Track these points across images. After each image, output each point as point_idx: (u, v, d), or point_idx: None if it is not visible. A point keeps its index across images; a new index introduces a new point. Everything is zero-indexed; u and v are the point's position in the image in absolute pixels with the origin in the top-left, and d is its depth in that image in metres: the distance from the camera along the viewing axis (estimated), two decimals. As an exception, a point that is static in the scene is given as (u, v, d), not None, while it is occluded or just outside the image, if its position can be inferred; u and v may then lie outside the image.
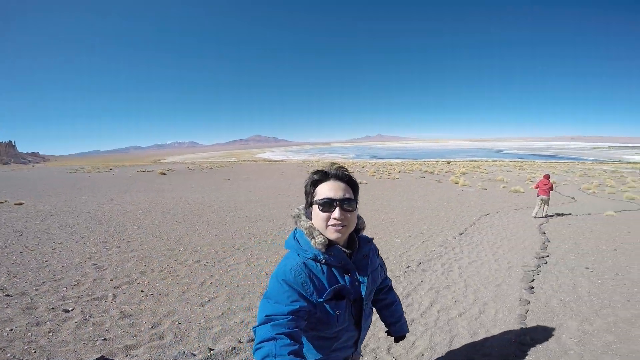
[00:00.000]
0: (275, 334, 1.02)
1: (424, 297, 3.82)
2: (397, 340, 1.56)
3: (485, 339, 2.93)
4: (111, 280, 4.04)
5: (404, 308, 2.81)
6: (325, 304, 1.15)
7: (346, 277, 1.20)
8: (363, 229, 1.32)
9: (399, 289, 4.01)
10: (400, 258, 5.29)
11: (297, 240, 1.21)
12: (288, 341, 1.01)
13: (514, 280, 4.34)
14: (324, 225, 1.15)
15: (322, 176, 1.20)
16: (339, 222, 1.13)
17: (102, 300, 3.46)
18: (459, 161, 66.76)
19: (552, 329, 3.07)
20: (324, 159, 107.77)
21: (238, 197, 12.01)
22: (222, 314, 3.25)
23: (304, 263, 1.15)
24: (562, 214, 9.48)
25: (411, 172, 26.85)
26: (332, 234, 1.15)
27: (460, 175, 23.04)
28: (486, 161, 70.58)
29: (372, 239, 1.35)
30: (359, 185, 1.26)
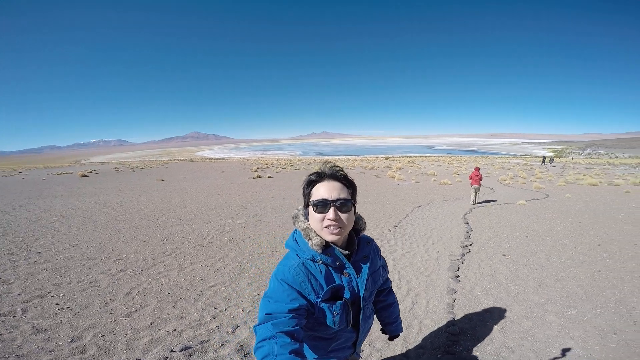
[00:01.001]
0: (276, 333, 1.02)
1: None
2: (391, 339, 1.61)
3: (419, 331, 3.06)
4: (19, 294, 3.61)
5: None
6: (323, 304, 1.16)
7: (344, 278, 1.20)
8: (363, 229, 1.32)
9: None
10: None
11: (296, 240, 1.21)
12: (288, 340, 1.02)
13: (442, 270, 4.60)
14: (320, 227, 1.14)
15: (317, 177, 1.19)
16: (334, 223, 1.12)
17: (10, 316, 3.12)
18: (396, 157, 70.88)
19: (478, 317, 3.29)
20: (270, 156, 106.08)
21: (172, 199, 11.09)
22: (151, 323, 3.05)
23: (303, 263, 1.15)
24: (484, 203, 10.49)
25: (353, 168, 27.66)
26: (328, 236, 1.14)
27: (397, 170, 24.40)
28: (420, 156, 76.15)
29: (372, 239, 1.36)
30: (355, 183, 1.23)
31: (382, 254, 1.52)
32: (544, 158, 41.60)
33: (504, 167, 31.39)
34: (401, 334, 2.94)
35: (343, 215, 1.13)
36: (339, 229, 1.13)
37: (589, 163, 45.16)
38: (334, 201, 1.12)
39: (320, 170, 1.21)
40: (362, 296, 1.23)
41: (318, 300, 1.15)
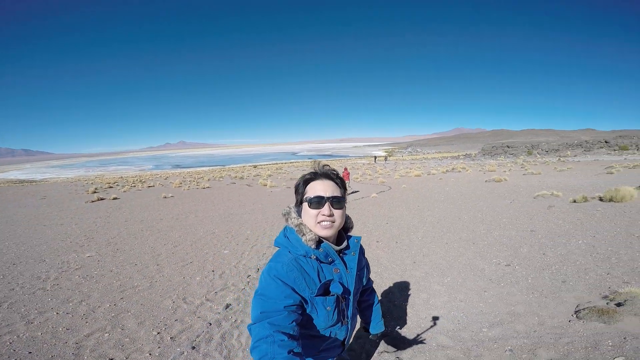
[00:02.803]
0: (273, 331, 1.01)
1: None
2: (375, 337, 1.67)
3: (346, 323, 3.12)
4: None
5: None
6: (317, 299, 1.18)
7: (335, 274, 1.23)
8: (351, 227, 1.39)
9: (249, 299, 3.80)
10: (235, 268, 4.95)
11: (287, 237, 1.23)
12: (286, 338, 1.01)
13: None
14: (314, 222, 1.20)
15: (312, 176, 1.27)
16: (329, 219, 1.19)
17: None
18: (264, 165, 71.96)
19: (386, 299, 3.64)
20: (111, 173, 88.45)
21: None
22: None
23: (295, 259, 1.17)
24: (347, 201, 11.79)
25: (221, 179, 26.32)
26: (321, 231, 1.20)
27: (267, 178, 24.66)
28: (285, 163, 79.75)
29: (360, 237, 1.38)
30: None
31: None
32: (375, 157, 51.23)
33: (354, 167, 36.47)
34: None
35: (336, 212, 1.21)
36: (332, 224, 1.20)
37: (412, 159, 57.87)
38: (329, 198, 1.20)
39: (315, 170, 1.28)
40: (352, 291, 1.28)
41: (312, 295, 1.16)
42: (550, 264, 4.15)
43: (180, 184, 22.90)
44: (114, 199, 15.27)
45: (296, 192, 1.29)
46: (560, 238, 5.22)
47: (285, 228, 1.28)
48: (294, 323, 1.07)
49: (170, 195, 15.69)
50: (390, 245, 5.72)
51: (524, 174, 17.49)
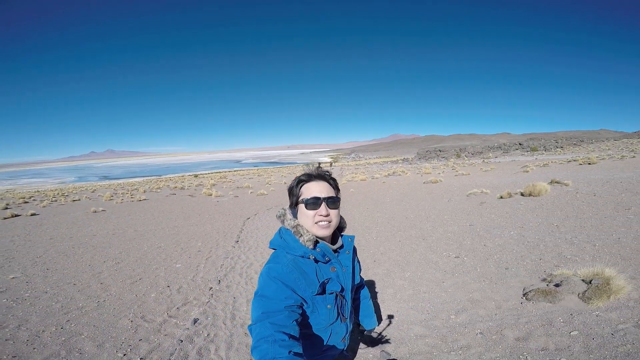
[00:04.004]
0: (274, 331, 1.01)
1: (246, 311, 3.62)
2: (368, 333, 1.72)
3: None
4: None
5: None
6: (317, 299, 1.20)
7: (332, 272, 1.26)
8: (345, 227, 1.42)
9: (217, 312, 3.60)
10: (193, 282, 4.62)
11: (284, 238, 1.25)
12: (286, 338, 1.01)
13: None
14: (311, 223, 1.22)
15: (307, 177, 1.29)
16: (325, 219, 1.22)
17: None
18: (206, 174, 68.45)
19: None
20: (24, 187, 76.25)
21: None
22: None
23: (294, 260, 1.19)
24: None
25: (159, 190, 24.33)
26: (318, 231, 1.22)
27: (211, 187, 23.44)
28: (229, 171, 76.83)
29: (353, 237, 1.41)
30: None
31: None
32: (319, 164, 52.88)
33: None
34: None
35: (332, 212, 1.24)
36: (329, 224, 1.23)
37: (356, 164, 60.11)
38: (325, 198, 1.23)
39: (309, 172, 1.30)
40: (349, 289, 1.31)
41: (312, 295, 1.18)
42: (492, 253, 4.58)
43: (112, 196, 20.61)
44: (32, 215, 13.17)
45: (290, 194, 1.30)
46: (495, 230, 5.80)
47: (280, 229, 1.30)
48: (295, 323, 1.08)
49: (101, 209, 13.99)
50: (347, 247, 5.82)
51: (455, 175, 19.26)
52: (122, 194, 22.93)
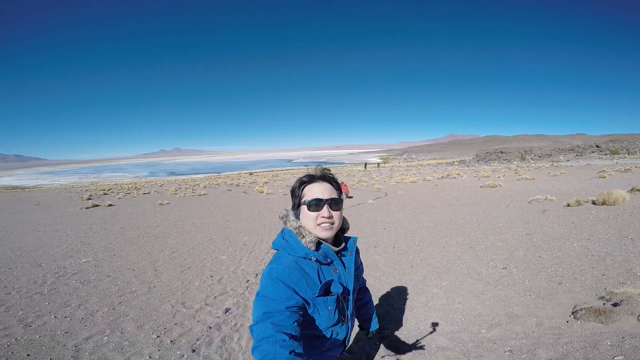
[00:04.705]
0: (275, 332, 1.02)
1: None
2: (369, 334, 1.70)
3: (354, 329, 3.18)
4: None
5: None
6: (318, 300, 1.20)
7: (334, 273, 1.26)
8: (347, 228, 1.42)
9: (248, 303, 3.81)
10: (234, 274, 4.93)
11: (286, 240, 1.25)
12: (287, 338, 1.01)
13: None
14: (314, 224, 1.22)
15: (309, 178, 1.29)
16: (328, 220, 1.22)
17: None
18: (260, 172, 71.81)
19: (385, 302, 3.69)
20: (105, 180, 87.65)
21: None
22: None
23: (295, 261, 1.19)
24: (343, 207, 11.79)
25: (217, 187, 26.17)
26: (321, 232, 1.22)
27: (263, 185, 24.59)
28: (281, 170, 79.70)
29: (356, 238, 1.42)
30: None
31: None
32: (365, 164, 51.70)
33: (350, 174, 36.53)
34: None
35: (335, 213, 1.24)
36: (331, 226, 1.23)
37: (407, 166, 58.18)
38: (327, 200, 1.23)
39: (312, 173, 1.31)
40: (351, 291, 1.31)
41: (314, 296, 1.19)
42: (546, 266, 4.20)
43: (176, 191, 22.75)
44: (109, 205, 15.14)
45: (293, 195, 1.31)
46: (555, 241, 5.28)
47: (282, 230, 1.30)
48: (296, 324, 1.08)
49: (166, 202, 15.58)
50: (388, 250, 5.73)
51: (518, 179, 17.68)
52: (185, 189, 25.16)
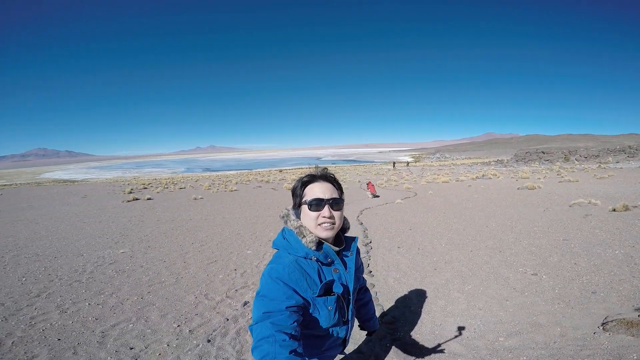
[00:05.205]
0: (275, 331, 1.02)
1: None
2: (370, 334, 1.72)
3: (354, 329, 3.11)
4: None
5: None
6: (318, 300, 1.20)
7: (334, 273, 1.26)
8: (348, 228, 1.42)
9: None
10: (257, 268, 5.12)
11: (287, 239, 1.25)
12: (287, 338, 1.01)
13: (355, 268, 4.86)
14: (314, 224, 1.22)
15: (310, 178, 1.30)
16: (329, 220, 1.22)
17: None
18: (289, 169, 72.88)
19: (402, 304, 3.63)
20: (145, 175, 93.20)
21: (18, 232, 8.53)
22: None
23: (296, 261, 1.19)
24: (371, 205, 11.72)
25: (248, 183, 26.97)
26: (322, 232, 1.23)
27: (291, 182, 24.96)
28: (309, 167, 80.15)
29: (356, 238, 1.44)
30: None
31: None
32: (394, 163, 50.48)
33: (379, 173, 36.04)
34: None
35: (336, 213, 1.24)
36: (332, 226, 1.23)
37: (440, 165, 56.30)
38: (328, 200, 1.23)
39: (313, 173, 1.32)
40: (351, 291, 1.31)
41: (314, 296, 1.19)
42: (581, 274, 3.98)
43: (210, 186, 23.77)
44: (148, 199, 16.15)
45: (294, 194, 1.32)
46: (595, 248, 4.97)
47: (283, 230, 1.30)
48: (296, 323, 1.09)
49: (200, 197, 16.35)
50: (412, 251, 5.68)
51: (560, 182, 16.58)
52: (218, 184, 26.18)
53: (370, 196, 14.27)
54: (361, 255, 5.45)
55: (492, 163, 51.04)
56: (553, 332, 2.78)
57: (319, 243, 1.23)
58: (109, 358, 2.75)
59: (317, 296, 1.19)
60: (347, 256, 1.34)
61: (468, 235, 6.57)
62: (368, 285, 4.18)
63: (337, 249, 1.29)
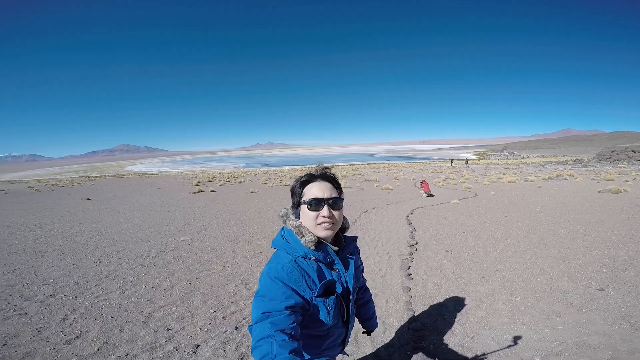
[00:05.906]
0: (274, 331, 1.01)
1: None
2: (369, 334, 1.69)
3: (384, 330, 3.12)
4: None
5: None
6: (317, 300, 1.19)
7: (334, 273, 1.25)
8: (348, 227, 1.41)
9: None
10: None
11: (286, 239, 1.25)
12: (287, 338, 1.01)
13: (394, 270, 4.77)
14: (314, 224, 1.21)
15: (309, 177, 1.28)
16: (328, 220, 1.21)
17: None
18: (340, 165, 73.07)
19: (436, 312, 3.46)
20: (211, 169, 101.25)
21: (102, 218, 9.94)
22: (98, 349, 2.84)
23: (295, 260, 1.18)
24: (424, 204, 11.21)
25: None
26: (321, 232, 1.21)
27: (342, 179, 25.01)
28: (361, 164, 79.46)
29: (356, 237, 1.42)
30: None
31: None
32: (452, 160, 46.97)
33: (437, 171, 34.15)
34: (366, 336, 2.98)
35: (335, 213, 1.23)
36: (332, 225, 1.22)
37: (507, 163, 51.45)
38: (328, 199, 1.22)
39: (312, 172, 1.30)
40: (351, 290, 1.30)
41: (313, 296, 1.18)
42: (662, 294, 3.36)
43: (266, 181, 24.99)
44: (211, 191, 17.57)
45: (293, 194, 1.30)
46: (688, 265, 4.15)
47: (282, 229, 1.30)
48: (295, 323, 1.08)
49: (257, 190, 17.30)
50: (460, 256, 5.34)
51: (655, 185, 14.06)
52: (274, 179, 27.42)
53: (424, 195, 13.68)
54: (404, 258, 5.29)
55: (569, 162, 45.02)
56: (602, 355, 2.45)
57: (319, 243, 1.22)
58: (147, 336, 3.03)
59: (317, 296, 1.19)
60: (347, 256, 1.33)
61: (530, 242, 5.95)
62: (407, 286, 4.04)
63: (336, 248, 1.28)
